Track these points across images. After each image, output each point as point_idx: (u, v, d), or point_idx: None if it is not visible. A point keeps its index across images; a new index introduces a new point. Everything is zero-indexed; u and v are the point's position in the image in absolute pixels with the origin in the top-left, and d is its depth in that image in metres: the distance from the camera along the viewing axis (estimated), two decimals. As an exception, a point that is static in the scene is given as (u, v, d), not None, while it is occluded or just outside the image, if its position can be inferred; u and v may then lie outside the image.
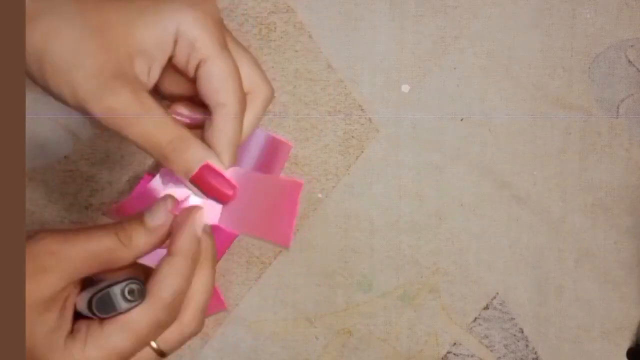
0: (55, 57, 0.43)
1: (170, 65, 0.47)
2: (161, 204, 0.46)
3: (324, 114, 0.59)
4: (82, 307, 0.44)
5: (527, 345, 0.60)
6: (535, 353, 0.60)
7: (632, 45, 0.58)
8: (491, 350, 0.61)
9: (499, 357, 0.61)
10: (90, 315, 0.44)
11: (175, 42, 0.46)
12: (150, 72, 0.46)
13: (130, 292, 0.43)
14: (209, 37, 0.46)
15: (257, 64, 0.49)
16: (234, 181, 0.47)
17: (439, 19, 0.58)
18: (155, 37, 0.45)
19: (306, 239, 0.60)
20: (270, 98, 0.50)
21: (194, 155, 0.46)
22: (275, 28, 0.58)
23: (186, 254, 0.46)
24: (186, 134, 0.46)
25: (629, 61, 0.58)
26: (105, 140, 0.59)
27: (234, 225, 0.48)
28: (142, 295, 0.44)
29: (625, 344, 0.60)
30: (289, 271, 0.60)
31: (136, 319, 0.44)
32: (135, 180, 0.59)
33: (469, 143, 0.59)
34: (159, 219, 0.46)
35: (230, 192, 0.47)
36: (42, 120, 0.59)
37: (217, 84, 0.46)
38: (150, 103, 0.45)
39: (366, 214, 0.60)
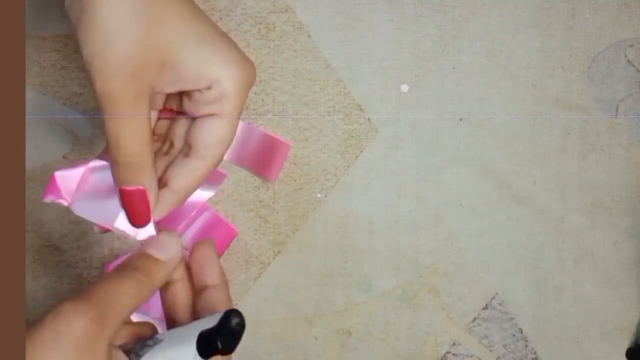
0: (98, 16, 0.43)
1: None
2: (167, 237, 0.48)
3: (323, 113, 0.59)
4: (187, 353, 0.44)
5: (526, 345, 0.60)
6: (535, 353, 0.60)
7: (631, 45, 0.58)
8: (490, 351, 0.61)
9: (499, 357, 0.61)
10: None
11: (210, 87, 0.47)
12: (167, 87, 0.47)
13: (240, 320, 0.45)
14: (238, 100, 0.48)
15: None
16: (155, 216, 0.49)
17: (438, 18, 0.58)
18: (195, 72, 0.46)
19: (305, 239, 0.60)
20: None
21: (141, 178, 0.47)
22: (274, 28, 0.58)
23: (224, 280, 0.50)
24: (148, 158, 0.47)
25: (628, 61, 0.58)
26: (104, 140, 0.59)
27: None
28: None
29: (625, 344, 0.60)
30: (288, 271, 0.60)
31: None
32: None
33: (468, 143, 0.59)
34: (171, 250, 0.47)
35: (143, 223, 0.49)
36: (41, 120, 0.58)
37: (211, 140, 0.49)
38: (143, 113, 0.46)
39: (365, 214, 0.60)
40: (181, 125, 0.51)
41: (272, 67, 0.59)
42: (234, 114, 0.48)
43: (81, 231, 0.60)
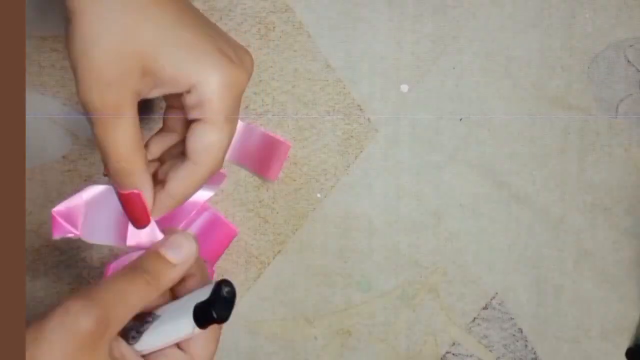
0: (76, 26, 0.44)
1: None
2: (182, 238, 0.49)
3: (323, 113, 0.59)
4: (184, 327, 0.47)
5: (526, 345, 0.60)
6: (534, 353, 0.60)
7: (631, 45, 0.58)
8: (490, 350, 0.61)
9: (498, 357, 0.61)
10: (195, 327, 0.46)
11: (189, 91, 0.47)
12: (151, 92, 0.47)
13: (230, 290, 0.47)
14: (220, 106, 0.47)
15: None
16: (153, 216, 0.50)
17: (438, 18, 0.58)
18: (173, 75, 0.46)
19: (305, 238, 0.60)
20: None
21: (133, 181, 0.48)
22: (274, 27, 0.58)
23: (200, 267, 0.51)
24: (138, 162, 0.47)
25: (628, 61, 0.58)
26: (104, 140, 0.59)
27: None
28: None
29: (624, 344, 0.60)
30: (288, 271, 0.60)
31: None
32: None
33: (468, 143, 0.59)
34: (184, 253, 0.48)
35: (143, 224, 0.49)
36: (41, 120, 0.58)
37: (202, 147, 0.48)
38: (127, 119, 0.46)
39: (365, 214, 0.60)
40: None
41: (272, 67, 0.59)
42: (219, 119, 0.47)
43: (81, 231, 0.60)
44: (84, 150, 0.59)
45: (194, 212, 0.58)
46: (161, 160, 0.51)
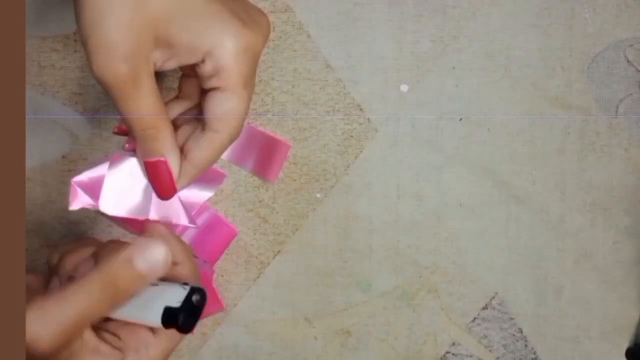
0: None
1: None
2: (157, 249, 0.47)
3: (323, 113, 0.59)
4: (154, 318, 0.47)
5: (526, 345, 0.60)
6: (534, 353, 0.60)
7: (631, 45, 0.58)
8: (490, 350, 0.61)
9: (498, 357, 0.61)
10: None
11: (204, 60, 0.46)
12: (166, 63, 0.47)
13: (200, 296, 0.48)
14: (237, 72, 0.47)
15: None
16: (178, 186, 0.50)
17: (437, 18, 0.58)
18: (187, 43, 0.46)
19: (305, 238, 0.60)
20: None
21: (160, 148, 0.48)
22: (274, 27, 0.58)
23: (188, 257, 0.51)
24: (164, 127, 0.48)
25: (628, 61, 0.58)
26: (103, 140, 0.59)
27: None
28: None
29: (624, 343, 0.60)
30: (288, 271, 0.60)
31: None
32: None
33: (468, 143, 0.59)
34: (157, 265, 0.47)
35: (169, 194, 0.50)
36: (41, 120, 0.58)
37: (221, 115, 0.48)
38: (146, 88, 0.46)
39: (365, 214, 0.60)
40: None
41: (271, 67, 0.59)
42: (237, 85, 0.47)
43: (81, 231, 0.60)
44: (84, 150, 0.59)
45: (194, 212, 0.58)
46: (175, 125, 0.51)
